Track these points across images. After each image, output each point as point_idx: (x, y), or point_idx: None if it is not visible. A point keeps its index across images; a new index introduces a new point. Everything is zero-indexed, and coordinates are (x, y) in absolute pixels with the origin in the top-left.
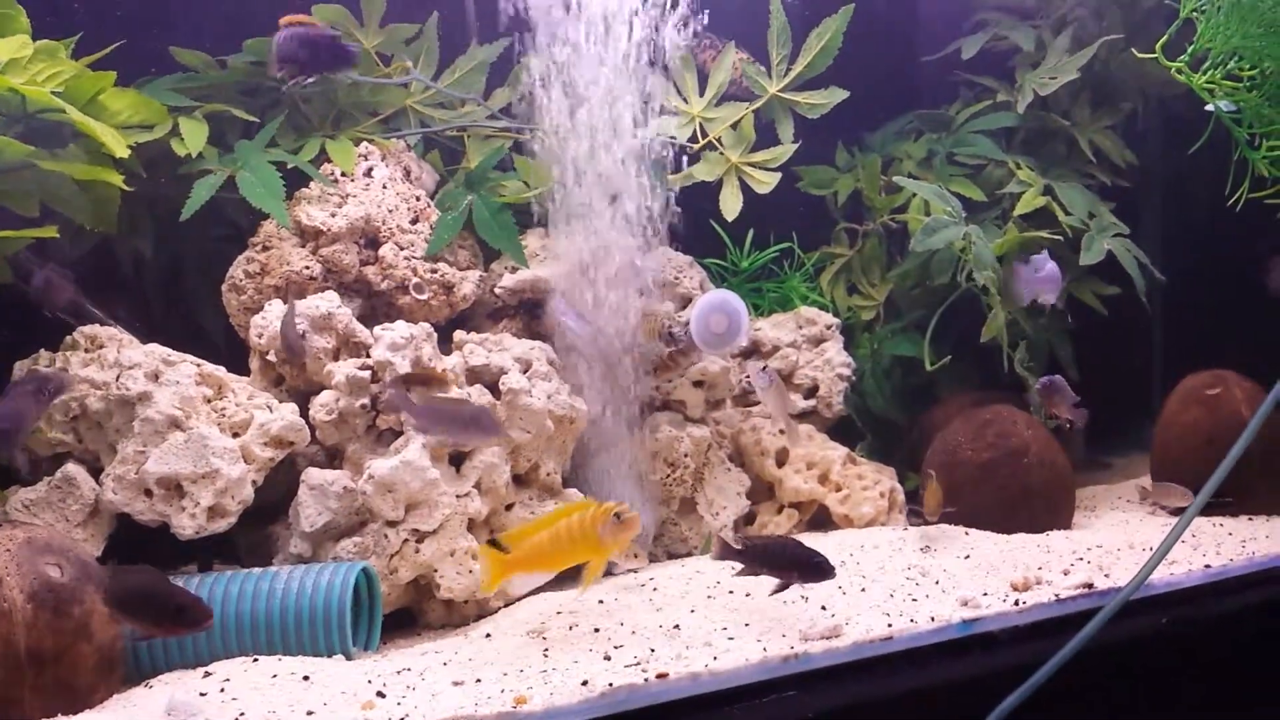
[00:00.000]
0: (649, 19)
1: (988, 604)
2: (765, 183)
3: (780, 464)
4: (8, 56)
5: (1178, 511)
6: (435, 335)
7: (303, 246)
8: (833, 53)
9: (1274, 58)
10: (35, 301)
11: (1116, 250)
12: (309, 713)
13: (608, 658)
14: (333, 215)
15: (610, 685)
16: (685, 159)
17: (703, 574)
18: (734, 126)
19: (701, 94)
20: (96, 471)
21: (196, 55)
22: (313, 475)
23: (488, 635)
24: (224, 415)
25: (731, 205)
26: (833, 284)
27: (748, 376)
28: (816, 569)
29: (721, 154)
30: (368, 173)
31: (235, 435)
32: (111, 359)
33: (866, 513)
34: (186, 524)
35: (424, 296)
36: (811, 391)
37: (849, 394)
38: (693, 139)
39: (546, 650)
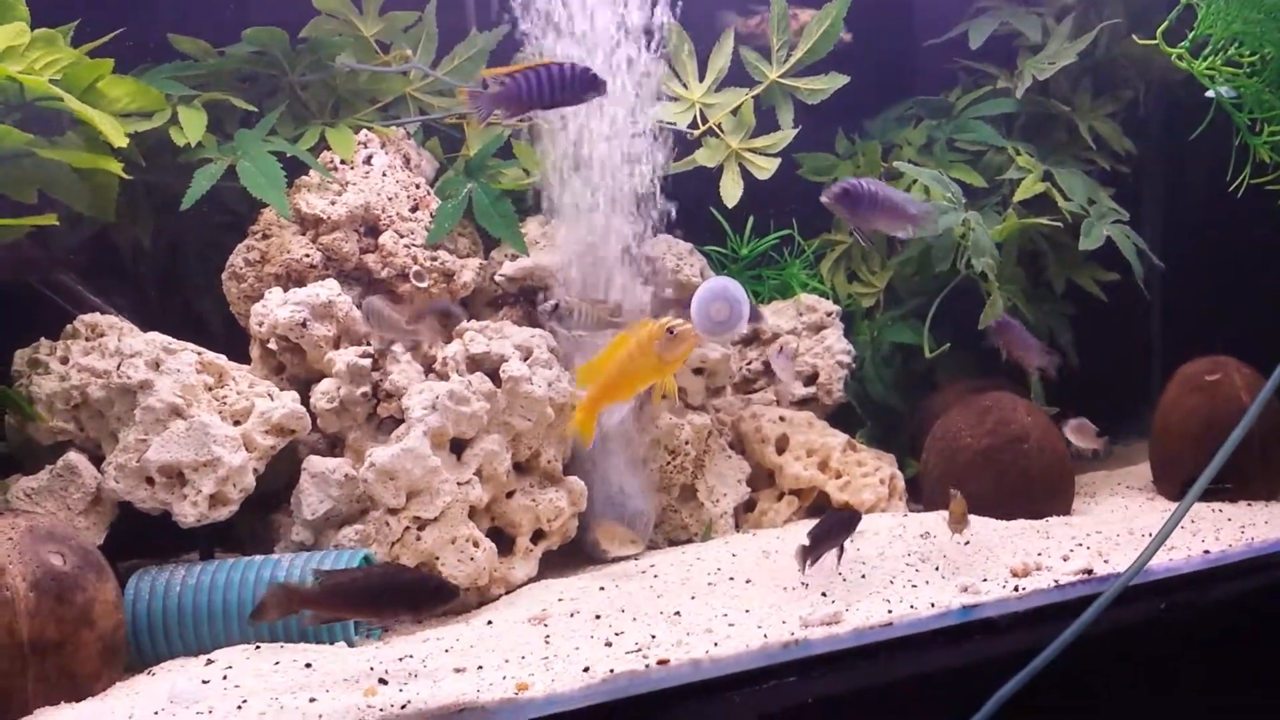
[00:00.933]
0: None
1: (987, 590)
2: (765, 168)
3: (780, 451)
4: (5, 44)
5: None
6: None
7: (303, 234)
8: (834, 38)
9: (1275, 43)
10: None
11: (1116, 236)
12: (311, 699)
13: (609, 644)
14: (332, 203)
15: (611, 671)
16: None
17: (703, 560)
18: (734, 112)
19: (701, 79)
20: (98, 460)
21: (195, 43)
22: (314, 463)
23: (489, 622)
24: (225, 403)
25: (732, 191)
26: (833, 271)
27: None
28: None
29: (721, 140)
30: (367, 160)
31: (236, 423)
32: (112, 347)
33: (867, 499)
34: (188, 512)
35: (424, 284)
36: (812, 379)
37: (849, 381)
38: (693, 125)
39: (548, 637)
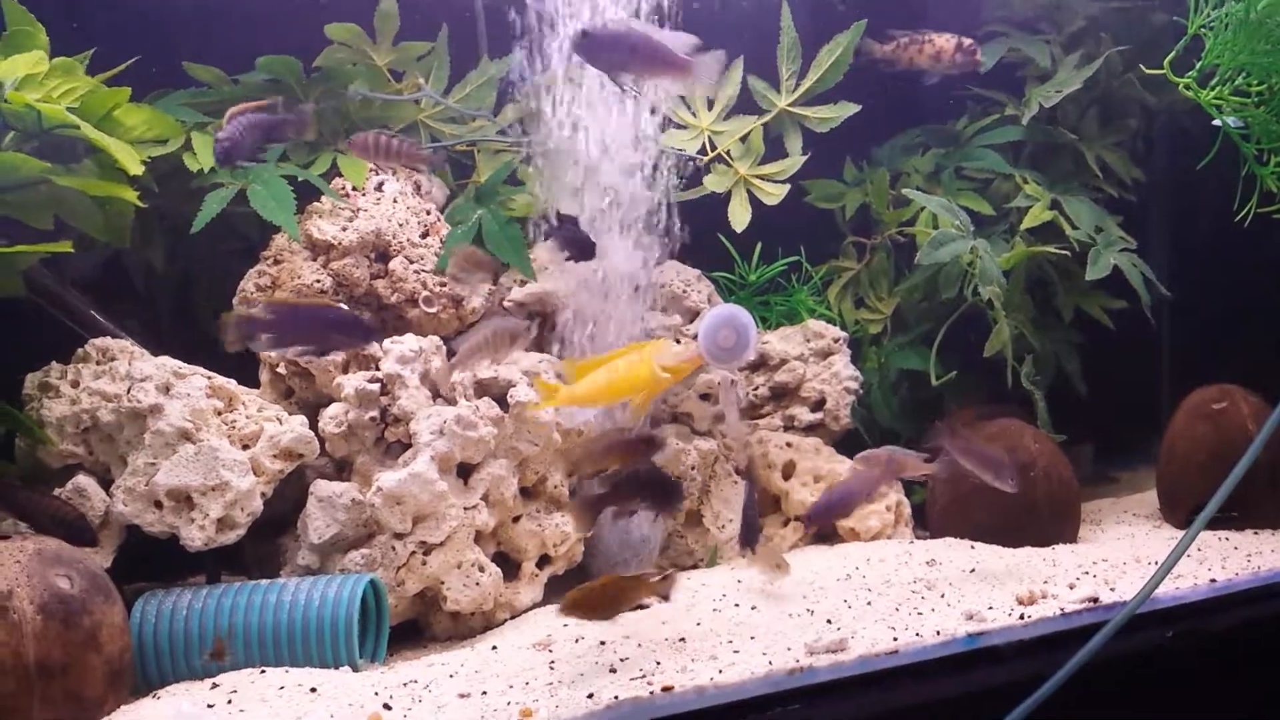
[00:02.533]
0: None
1: (993, 618)
2: (774, 194)
3: (787, 477)
4: (24, 72)
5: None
6: (444, 348)
7: (314, 260)
8: (843, 68)
9: None
10: None
11: (1123, 265)
12: None
13: (613, 670)
14: (344, 229)
15: (616, 698)
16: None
17: (708, 586)
18: (743, 139)
19: (710, 107)
20: (107, 483)
21: (210, 70)
22: (321, 487)
23: (494, 647)
24: (234, 427)
25: (740, 217)
26: (840, 297)
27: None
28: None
29: (730, 166)
30: (378, 187)
31: (245, 447)
32: (123, 371)
33: (873, 526)
34: (196, 535)
35: (433, 310)
36: (818, 405)
37: (856, 407)
38: (702, 151)
39: (552, 663)
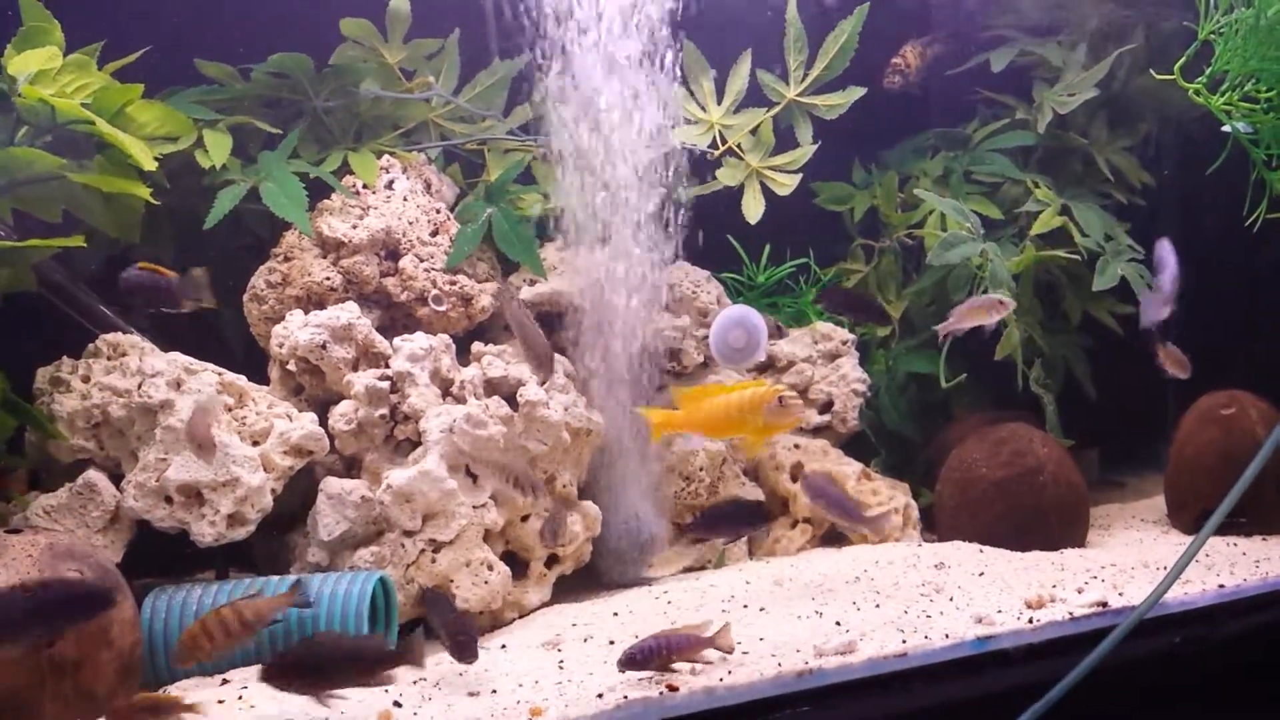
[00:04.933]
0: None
1: (1002, 621)
2: (786, 184)
3: (795, 479)
4: (38, 68)
5: None
6: (454, 346)
7: (324, 258)
8: (849, 54)
9: None
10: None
11: (1129, 276)
12: None
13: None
14: (354, 227)
15: (625, 698)
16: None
17: (716, 588)
18: (753, 132)
19: (719, 101)
20: (118, 478)
21: (221, 68)
22: (331, 484)
23: (503, 646)
24: (244, 424)
25: (754, 209)
26: None
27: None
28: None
29: (742, 159)
30: (389, 185)
31: (255, 444)
32: (134, 367)
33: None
34: (206, 531)
35: (443, 308)
36: (826, 407)
37: (864, 410)
38: (712, 145)
39: (561, 662)
